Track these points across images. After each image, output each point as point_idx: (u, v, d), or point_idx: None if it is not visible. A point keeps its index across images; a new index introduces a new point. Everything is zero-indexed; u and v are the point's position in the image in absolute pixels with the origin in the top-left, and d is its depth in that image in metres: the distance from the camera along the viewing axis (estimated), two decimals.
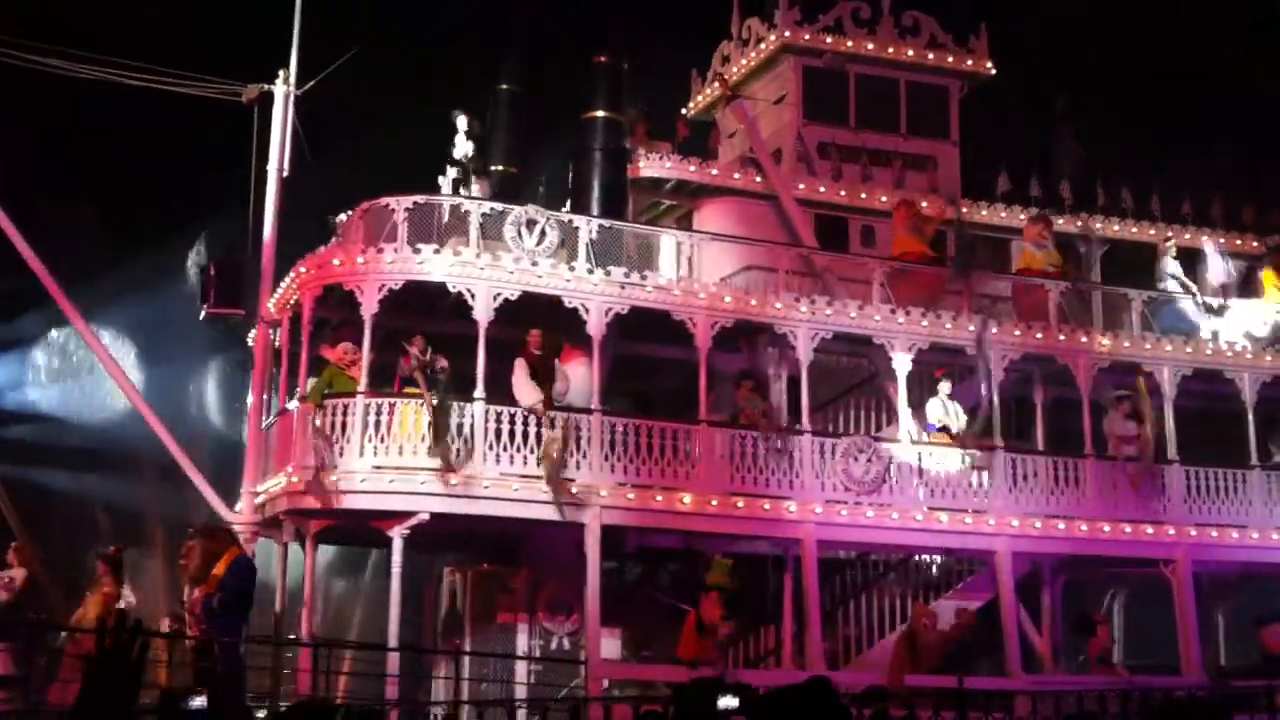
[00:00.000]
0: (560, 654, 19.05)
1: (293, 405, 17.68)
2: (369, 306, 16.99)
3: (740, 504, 17.65)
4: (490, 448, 16.77)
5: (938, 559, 20.21)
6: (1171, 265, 21.64)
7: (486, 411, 16.87)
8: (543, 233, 17.59)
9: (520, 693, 18.40)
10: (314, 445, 16.53)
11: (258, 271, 19.96)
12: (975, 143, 22.90)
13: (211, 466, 20.81)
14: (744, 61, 22.85)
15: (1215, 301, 20.67)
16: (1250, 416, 20.47)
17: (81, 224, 26.38)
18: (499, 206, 17.86)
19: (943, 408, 19.10)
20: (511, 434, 16.87)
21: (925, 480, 18.54)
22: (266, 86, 20.50)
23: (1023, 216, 21.48)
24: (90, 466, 28.27)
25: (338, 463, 16.67)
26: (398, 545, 16.76)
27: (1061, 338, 19.71)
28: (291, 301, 18.36)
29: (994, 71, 22.91)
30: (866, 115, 22.30)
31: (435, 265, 17.07)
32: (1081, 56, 25.96)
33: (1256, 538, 20.02)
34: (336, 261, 17.32)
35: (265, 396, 19.60)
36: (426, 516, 16.56)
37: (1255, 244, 23.04)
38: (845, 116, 22.26)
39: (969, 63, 22.82)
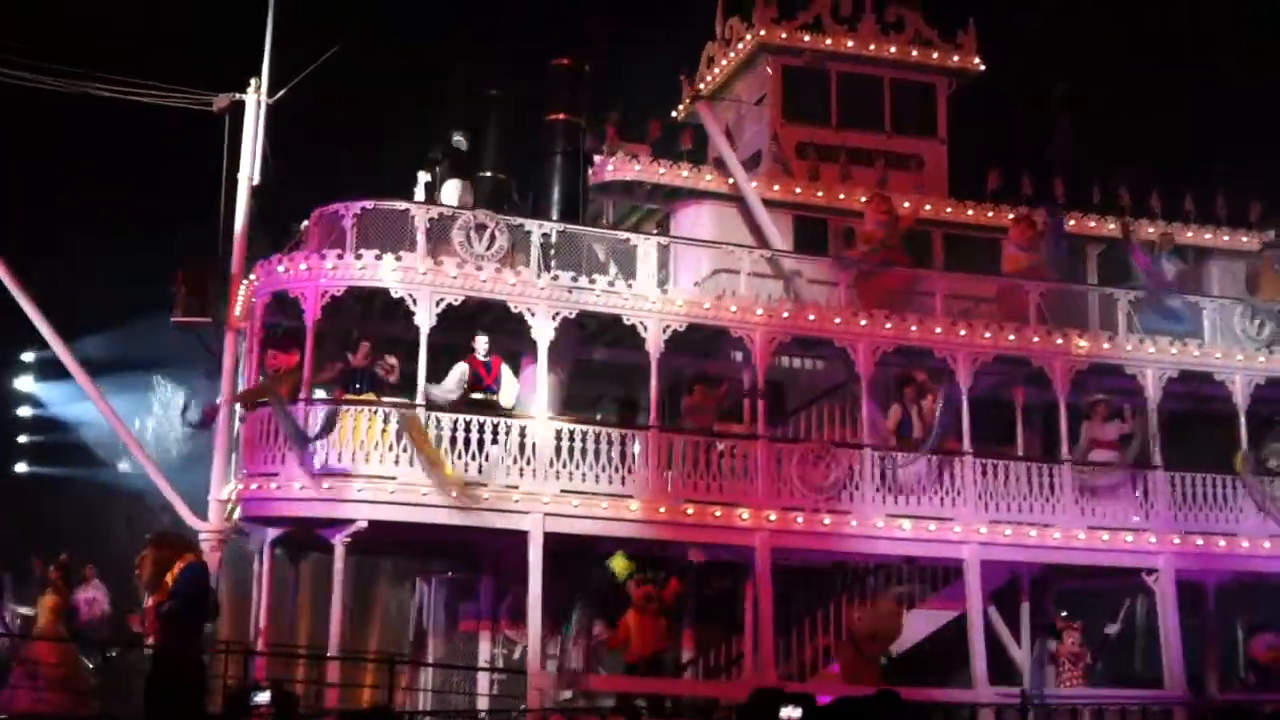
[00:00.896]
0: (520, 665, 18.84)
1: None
2: (312, 313, 16.93)
3: (690, 511, 17.29)
4: None
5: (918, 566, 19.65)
6: (1167, 263, 20.88)
7: (427, 417, 16.70)
8: (492, 237, 17.41)
9: (483, 704, 18.31)
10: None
11: (227, 280, 20.06)
12: (965, 141, 22.35)
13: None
14: (724, 62, 22.54)
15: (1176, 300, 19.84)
16: (1242, 420, 19.68)
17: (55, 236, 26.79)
18: (447, 211, 17.71)
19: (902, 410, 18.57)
20: (453, 439, 16.69)
21: (887, 486, 18.03)
22: (237, 95, 20.62)
23: (1010, 216, 20.84)
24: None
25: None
26: (339, 553, 16.66)
27: (1036, 339, 19.07)
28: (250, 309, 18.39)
29: (983, 68, 22.35)
30: (849, 114, 21.86)
31: (377, 271, 16.96)
32: (1078, 52, 25.20)
33: (1247, 546, 19.21)
34: (281, 268, 17.29)
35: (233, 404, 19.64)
36: (364, 525, 16.44)
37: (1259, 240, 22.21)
38: (826, 116, 21.84)
39: (956, 59, 22.30)
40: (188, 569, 16.56)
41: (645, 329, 17.63)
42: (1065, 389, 19.01)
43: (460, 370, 17.31)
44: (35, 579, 18.66)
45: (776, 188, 20.88)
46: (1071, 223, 21.96)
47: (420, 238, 17.20)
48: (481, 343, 17.36)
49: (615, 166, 20.41)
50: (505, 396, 17.47)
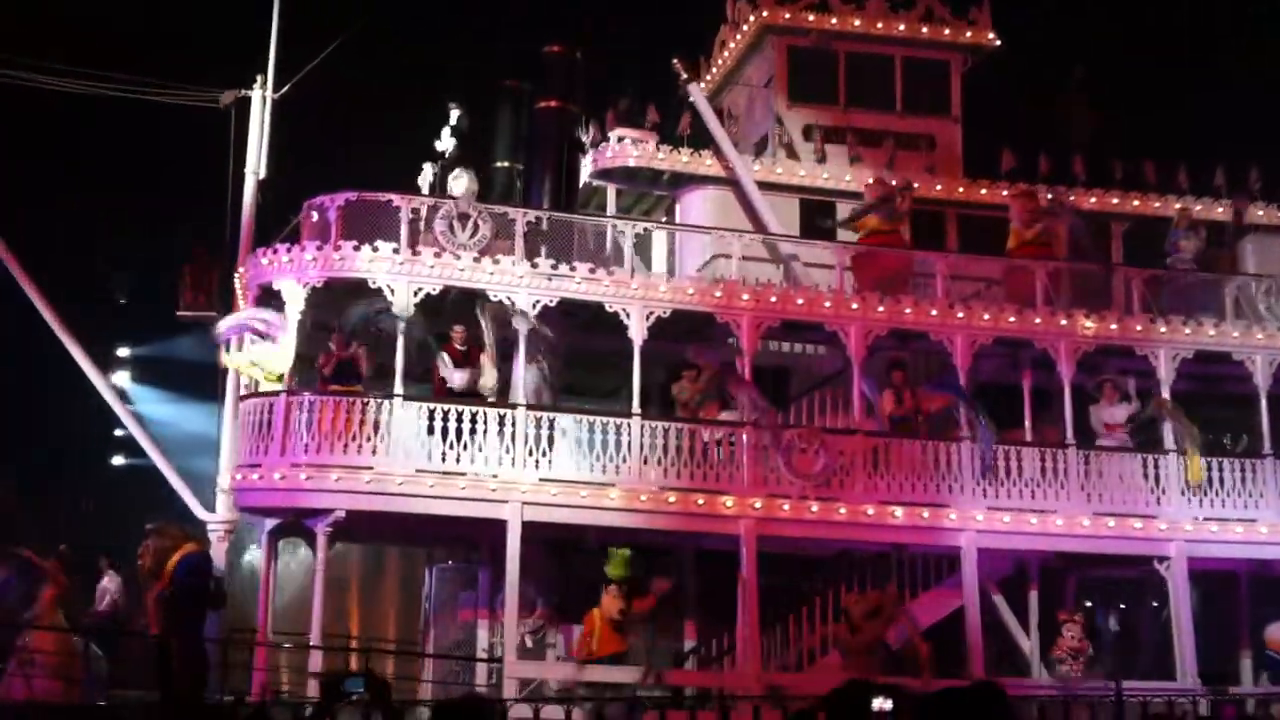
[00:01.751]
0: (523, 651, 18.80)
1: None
2: (293, 304, 17.06)
3: (672, 499, 17.10)
4: (407, 444, 16.61)
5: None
6: (1183, 240, 20.15)
7: (405, 407, 16.73)
8: (475, 226, 17.38)
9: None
10: None
11: (232, 273, 20.36)
12: (980, 119, 21.77)
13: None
14: (732, 46, 22.24)
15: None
16: (1264, 402, 18.91)
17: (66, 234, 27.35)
18: (430, 201, 17.71)
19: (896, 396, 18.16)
20: (430, 429, 16.71)
21: (880, 474, 17.65)
22: (243, 91, 20.90)
23: (1005, 193, 20.27)
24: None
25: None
26: (321, 542, 16.79)
27: (1039, 321, 18.51)
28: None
29: (998, 43, 21.75)
30: (858, 94, 21.43)
31: (354, 262, 17.04)
32: (1099, 24, 24.39)
33: (1266, 533, 18.46)
34: (265, 261, 17.45)
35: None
36: (342, 514, 16.54)
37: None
38: (834, 97, 21.43)
39: (969, 35, 21.72)
40: (186, 559, 16.90)
41: (628, 316, 17.47)
42: (1070, 371, 18.43)
43: (441, 359, 17.31)
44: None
45: (780, 170, 20.55)
46: (1093, 200, 21.33)
47: (403, 228, 17.25)
48: (458, 332, 17.33)
49: (614, 153, 20.25)
50: (484, 385, 17.41)
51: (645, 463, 17.10)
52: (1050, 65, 22.19)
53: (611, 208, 20.66)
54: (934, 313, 18.22)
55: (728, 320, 17.81)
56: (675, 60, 20.01)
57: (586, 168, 20.43)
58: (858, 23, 21.30)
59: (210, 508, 20.03)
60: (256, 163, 20.68)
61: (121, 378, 32.90)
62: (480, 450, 16.69)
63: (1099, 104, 22.09)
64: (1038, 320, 18.51)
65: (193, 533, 18.05)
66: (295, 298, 17.05)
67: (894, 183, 19.54)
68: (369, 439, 16.59)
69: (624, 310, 17.48)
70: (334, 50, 20.53)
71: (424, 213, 17.36)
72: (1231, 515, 18.50)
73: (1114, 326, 18.69)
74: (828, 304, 18.04)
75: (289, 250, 17.29)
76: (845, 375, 18.80)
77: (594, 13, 21.02)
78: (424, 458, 16.61)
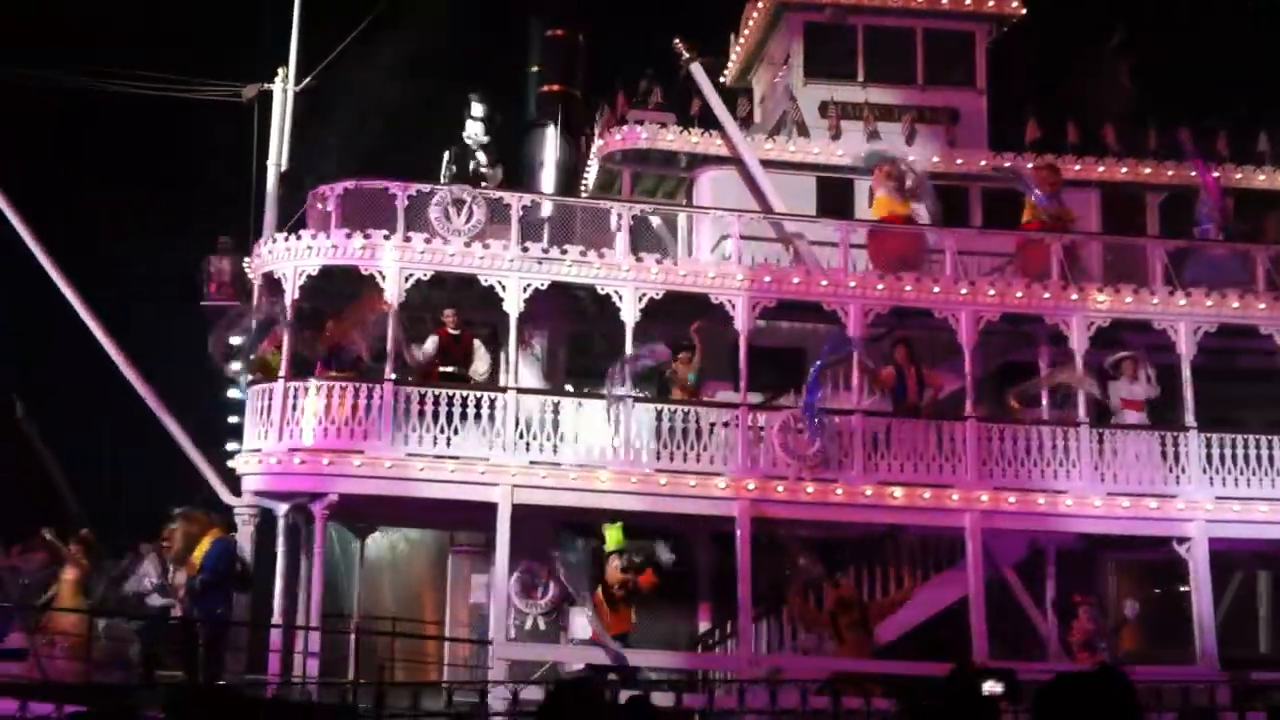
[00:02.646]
0: (535, 634, 18.90)
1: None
2: (290, 292, 17.37)
3: (663, 481, 17.02)
4: (398, 428, 16.80)
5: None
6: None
7: (397, 392, 16.92)
8: (470, 212, 17.49)
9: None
10: None
11: None
12: (1007, 89, 21.18)
13: None
14: (751, 24, 21.99)
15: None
16: None
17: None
18: (425, 188, 17.85)
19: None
20: (421, 413, 16.87)
21: (880, 454, 17.34)
22: (266, 85, 21.27)
23: (1030, 165, 19.70)
24: None
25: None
26: (319, 526, 17.07)
27: (1047, 295, 17.98)
28: None
29: (1024, 11, 21.13)
30: (877, 68, 21.02)
31: (347, 249, 17.27)
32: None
33: None
34: (266, 250, 17.80)
35: None
36: (335, 497, 16.79)
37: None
38: (852, 72, 21.04)
39: (992, 3, 21.13)
40: (216, 545, 17.37)
41: (620, 298, 17.42)
42: (1083, 347, 17.87)
43: (432, 343, 17.47)
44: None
45: (792, 148, 20.26)
46: (1124, 171, 20.64)
47: (399, 215, 17.43)
48: (450, 316, 17.46)
49: (623, 135, 20.19)
50: (476, 370, 17.53)
51: (635, 445, 17.03)
52: (1077, 33, 21.41)
53: (626, 191, 20.62)
54: (936, 289, 17.81)
55: (721, 300, 17.64)
56: (676, 40, 19.81)
57: (595, 151, 20.41)
58: None
59: (237, 493, 20.47)
60: (278, 154, 21.04)
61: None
62: (472, 434, 16.80)
63: (1137, 69, 21.30)
64: (1046, 295, 17.98)
65: (218, 519, 18.58)
66: (292, 286, 17.35)
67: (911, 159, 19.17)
68: (360, 423, 16.81)
69: (616, 292, 17.44)
70: (352, 41, 20.83)
71: (418, 199, 17.53)
72: (1257, 495, 17.77)
73: (1129, 300, 18.06)
74: (824, 282, 17.75)
75: (287, 239, 17.60)
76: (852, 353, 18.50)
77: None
78: (415, 441, 16.78)
